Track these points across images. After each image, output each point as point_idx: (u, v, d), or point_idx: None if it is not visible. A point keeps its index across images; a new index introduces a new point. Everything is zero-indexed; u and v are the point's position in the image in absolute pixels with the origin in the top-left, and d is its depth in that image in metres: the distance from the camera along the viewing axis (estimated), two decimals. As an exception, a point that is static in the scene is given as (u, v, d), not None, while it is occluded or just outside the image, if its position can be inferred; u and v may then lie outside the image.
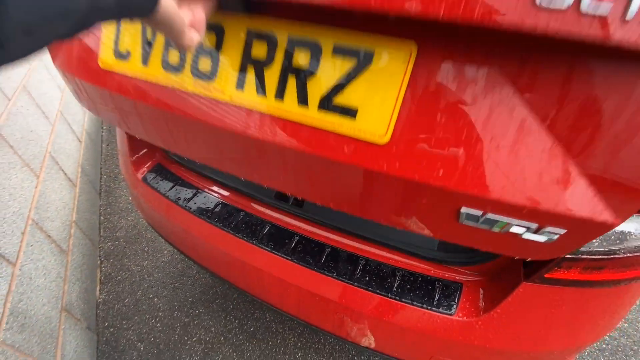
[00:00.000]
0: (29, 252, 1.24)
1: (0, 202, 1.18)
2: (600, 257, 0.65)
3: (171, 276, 1.77)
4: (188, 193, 1.09)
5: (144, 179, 1.16)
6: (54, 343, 1.19)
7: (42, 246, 1.34)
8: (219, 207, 1.04)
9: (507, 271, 0.79)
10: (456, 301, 0.79)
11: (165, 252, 1.89)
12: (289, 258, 0.89)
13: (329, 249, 0.90)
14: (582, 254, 0.66)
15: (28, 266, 1.21)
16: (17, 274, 1.13)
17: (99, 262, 1.85)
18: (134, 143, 1.19)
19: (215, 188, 1.10)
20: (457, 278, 0.83)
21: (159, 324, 1.57)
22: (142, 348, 1.49)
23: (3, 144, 1.33)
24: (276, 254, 0.90)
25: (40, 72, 2.00)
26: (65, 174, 1.82)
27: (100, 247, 1.93)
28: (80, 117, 2.48)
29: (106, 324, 1.58)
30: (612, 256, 0.65)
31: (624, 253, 0.64)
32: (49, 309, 1.23)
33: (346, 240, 0.92)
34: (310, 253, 0.90)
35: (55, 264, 1.38)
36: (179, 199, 1.08)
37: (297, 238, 0.93)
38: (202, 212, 1.03)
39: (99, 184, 2.35)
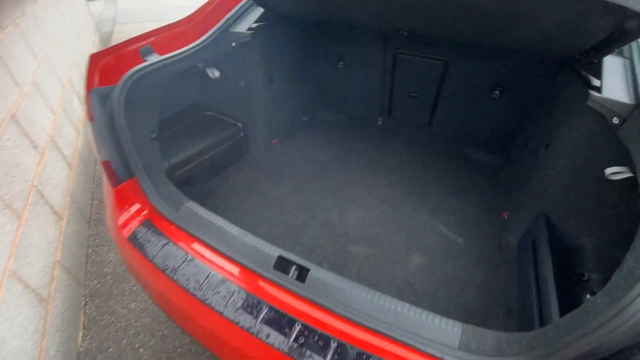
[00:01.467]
0: (4, 311, 1.14)
1: (-28, 258, 1.07)
2: None
3: (159, 321, 1.66)
4: (177, 260, 0.99)
5: (131, 238, 1.05)
6: (24, 415, 1.07)
7: (19, 300, 1.23)
8: (209, 279, 0.93)
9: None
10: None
11: (155, 292, 1.77)
12: (289, 354, 0.78)
13: (336, 344, 0.79)
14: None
15: (2, 327, 1.10)
16: (-13, 341, 1.02)
17: (83, 303, 1.73)
18: (121, 197, 1.09)
19: (207, 254, 1.00)
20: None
21: (144, 379, 1.46)
22: (124, 408, 1.37)
23: (-18, 187, 1.23)
24: (275, 349, 0.79)
25: (33, 96, 1.90)
26: (52, 207, 1.72)
27: (86, 285, 1.81)
28: (72, 139, 2.38)
29: (87, 377, 1.46)
30: None
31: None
32: (22, 374, 1.12)
33: (357, 332, 0.81)
34: (313, 348, 0.79)
35: (33, 318, 1.27)
36: (167, 267, 0.97)
37: (299, 327, 0.82)
38: (190, 285, 0.92)
39: (89, 212, 2.25)
